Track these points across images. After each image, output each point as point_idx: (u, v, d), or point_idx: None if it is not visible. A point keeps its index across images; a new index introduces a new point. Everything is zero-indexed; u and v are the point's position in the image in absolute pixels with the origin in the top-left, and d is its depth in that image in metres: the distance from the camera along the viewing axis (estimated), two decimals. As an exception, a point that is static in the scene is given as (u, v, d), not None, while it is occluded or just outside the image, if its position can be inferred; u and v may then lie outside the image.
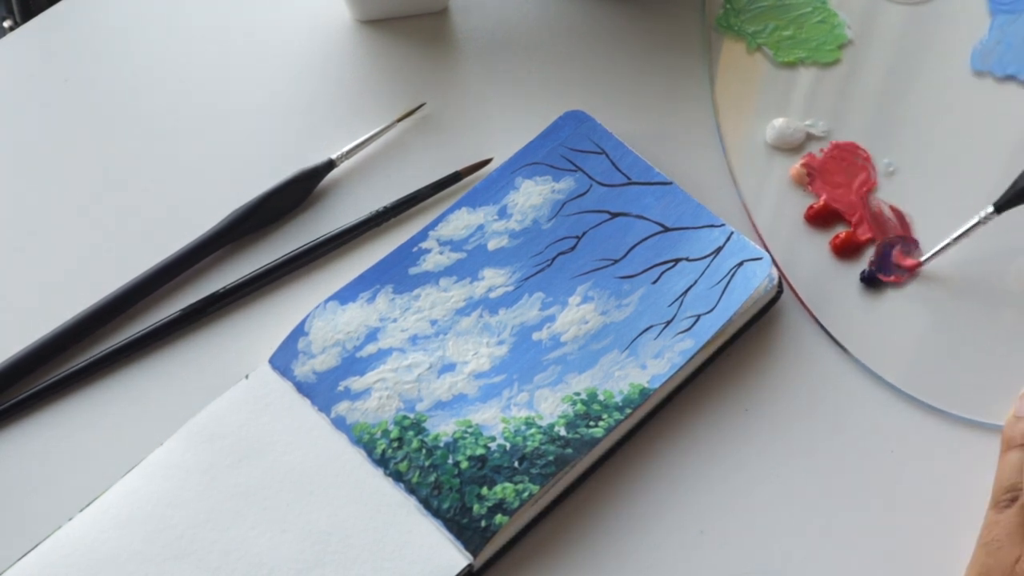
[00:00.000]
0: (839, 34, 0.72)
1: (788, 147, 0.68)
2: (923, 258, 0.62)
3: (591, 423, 0.59)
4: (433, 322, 0.62)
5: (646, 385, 0.60)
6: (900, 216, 0.66)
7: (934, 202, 0.66)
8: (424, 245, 0.64)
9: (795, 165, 0.68)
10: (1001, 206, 0.54)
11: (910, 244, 0.65)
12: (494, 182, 0.66)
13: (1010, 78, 0.70)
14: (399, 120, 0.69)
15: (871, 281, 0.64)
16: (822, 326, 0.63)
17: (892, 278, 0.64)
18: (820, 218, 0.66)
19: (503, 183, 0.66)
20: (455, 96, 0.70)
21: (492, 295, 0.63)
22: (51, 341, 0.62)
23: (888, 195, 0.67)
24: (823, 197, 0.67)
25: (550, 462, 0.58)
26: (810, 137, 0.69)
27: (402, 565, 0.56)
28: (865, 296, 0.64)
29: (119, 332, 0.64)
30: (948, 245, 0.62)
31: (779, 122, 0.69)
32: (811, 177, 0.67)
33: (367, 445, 0.59)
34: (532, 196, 0.65)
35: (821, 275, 0.65)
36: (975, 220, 0.55)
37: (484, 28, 0.72)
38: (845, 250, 0.65)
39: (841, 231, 0.66)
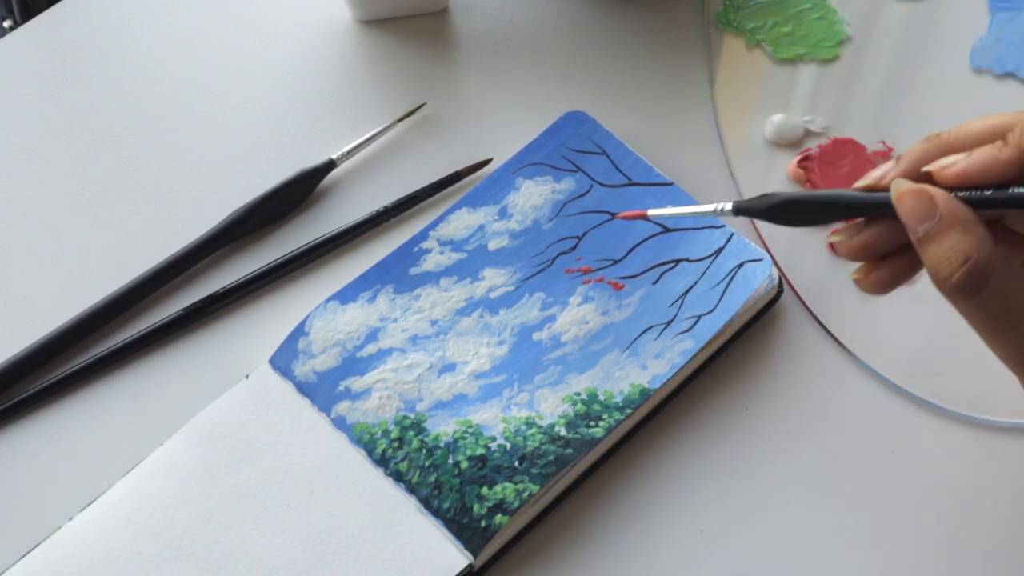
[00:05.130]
0: (838, 31, 0.72)
1: (787, 143, 0.68)
2: (650, 212, 0.56)
3: (591, 423, 0.59)
4: (433, 322, 0.62)
5: (646, 385, 0.60)
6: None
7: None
8: (424, 245, 0.64)
9: (792, 162, 0.67)
10: (740, 211, 0.53)
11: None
12: (494, 182, 0.66)
13: (1009, 75, 0.70)
14: (399, 120, 0.69)
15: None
16: (823, 326, 0.63)
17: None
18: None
19: (504, 183, 0.66)
20: (455, 96, 0.70)
21: (492, 295, 0.63)
22: (51, 341, 0.62)
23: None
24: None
25: (550, 462, 0.58)
26: (808, 133, 0.69)
27: (402, 565, 0.56)
28: (865, 295, 0.64)
29: (119, 332, 0.64)
30: (681, 215, 0.56)
31: (778, 118, 0.69)
32: (809, 173, 0.67)
33: (367, 445, 0.59)
34: (533, 196, 0.65)
35: (821, 275, 0.64)
36: (711, 208, 0.53)
37: (484, 28, 0.72)
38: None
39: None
